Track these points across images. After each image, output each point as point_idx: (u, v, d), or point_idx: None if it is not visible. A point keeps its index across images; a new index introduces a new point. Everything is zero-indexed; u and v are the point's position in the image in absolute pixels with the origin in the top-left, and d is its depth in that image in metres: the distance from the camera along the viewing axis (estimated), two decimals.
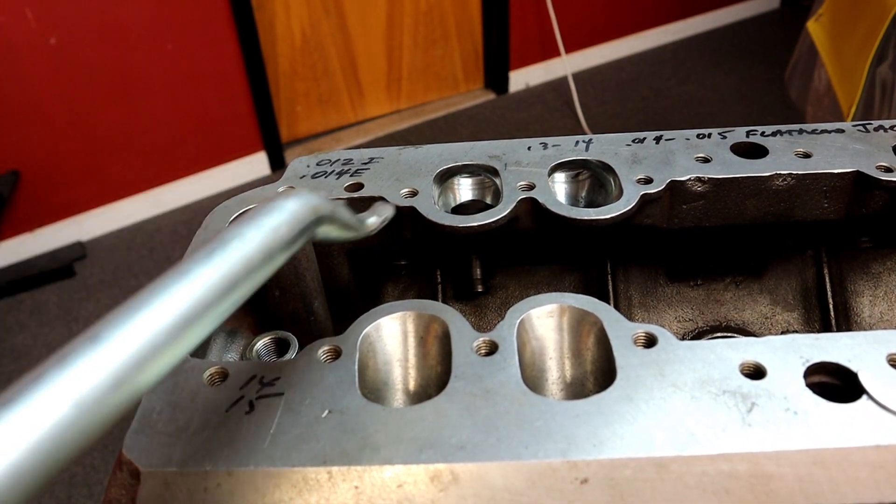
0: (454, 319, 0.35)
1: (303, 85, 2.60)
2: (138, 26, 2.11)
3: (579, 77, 3.00)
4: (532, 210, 0.44)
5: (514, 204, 0.43)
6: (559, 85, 3.00)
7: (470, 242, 0.49)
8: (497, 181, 0.46)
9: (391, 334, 0.35)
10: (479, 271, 0.51)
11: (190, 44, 2.23)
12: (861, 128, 0.48)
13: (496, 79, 3.00)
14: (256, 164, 2.53)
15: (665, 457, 0.27)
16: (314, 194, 0.30)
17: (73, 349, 0.19)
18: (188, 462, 0.29)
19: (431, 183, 0.46)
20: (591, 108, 2.85)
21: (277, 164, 2.57)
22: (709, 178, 0.44)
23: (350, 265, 0.49)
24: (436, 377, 0.35)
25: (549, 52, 2.99)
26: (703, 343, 0.32)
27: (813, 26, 1.45)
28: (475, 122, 2.86)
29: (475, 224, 0.42)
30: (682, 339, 0.46)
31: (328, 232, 0.32)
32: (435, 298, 0.51)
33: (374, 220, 0.39)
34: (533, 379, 0.35)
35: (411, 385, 0.36)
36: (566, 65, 2.88)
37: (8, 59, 1.95)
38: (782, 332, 0.52)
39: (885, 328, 0.50)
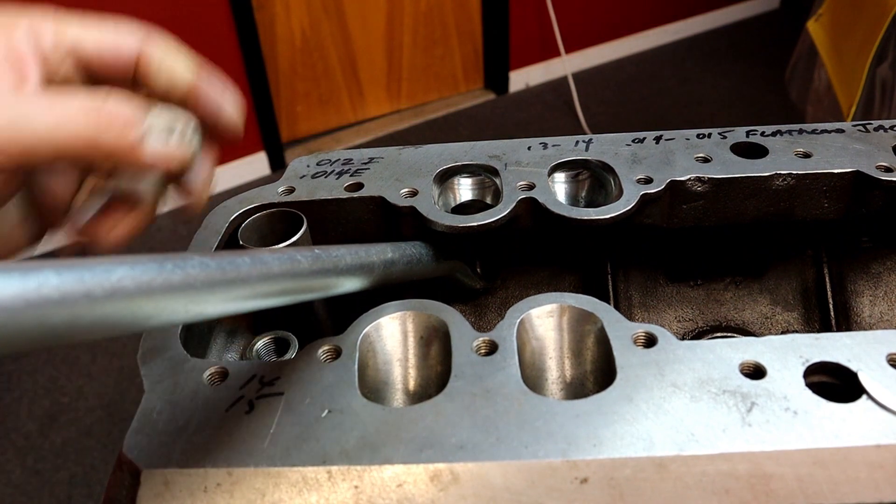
0: (454, 319, 0.35)
1: (303, 85, 2.60)
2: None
3: (579, 77, 3.00)
4: (532, 210, 0.44)
5: (514, 204, 0.43)
6: (559, 85, 3.00)
7: (470, 243, 0.49)
8: (497, 181, 0.46)
9: (391, 334, 0.35)
10: (479, 270, 0.51)
11: (190, 44, 2.21)
12: (861, 128, 0.48)
13: (496, 79, 3.00)
14: (256, 164, 2.53)
15: (665, 456, 0.27)
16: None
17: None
18: (188, 461, 0.29)
19: (431, 183, 0.46)
20: (591, 108, 2.85)
21: (277, 164, 2.56)
22: (709, 178, 0.44)
23: None
24: (436, 377, 0.35)
25: (549, 52, 2.99)
26: (702, 343, 0.32)
27: (813, 26, 1.45)
28: (475, 122, 2.86)
29: (475, 224, 0.42)
30: (682, 338, 0.46)
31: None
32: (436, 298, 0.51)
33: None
34: (533, 379, 0.35)
35: (411, 385, 0.36)
36: (566, 65, 2.88)
37: None
38: (782, 332, 0.52)
39: (885, 328, 0.50)
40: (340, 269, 0.31)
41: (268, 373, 0.32)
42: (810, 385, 0.30)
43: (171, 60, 0.30)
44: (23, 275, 0.17)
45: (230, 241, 0.43)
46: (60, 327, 0.18)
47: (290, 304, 0.29)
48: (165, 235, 2.29)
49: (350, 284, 0.33)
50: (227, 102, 0.31)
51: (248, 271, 0.25)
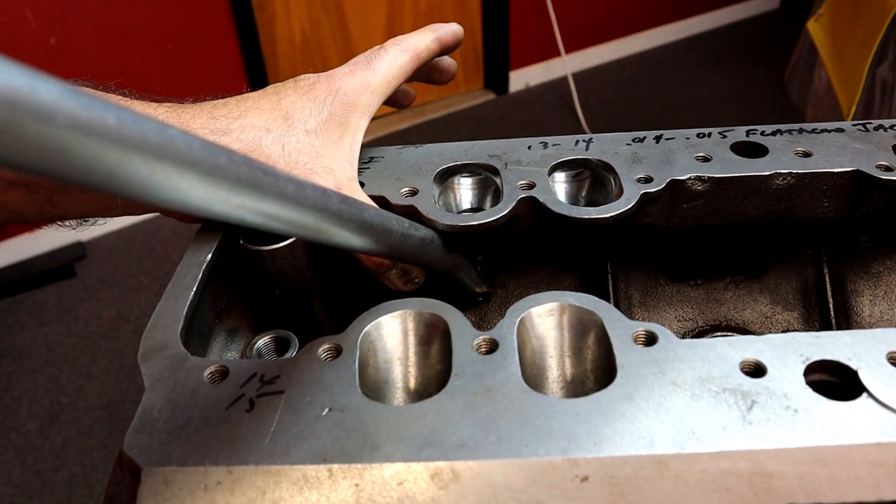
0: (455, 318, 0.35)
1: None
2: (138, 26, 2.11)
3: (579, 77, 3.00)
4: (532, 209, 0.44)
5: (514, 203, 0.43)
6: (559, 85, 3.00)
7: (470, 242, 0.49)
8: (497, 180, 0.46)
9: (391, 332, 0.35)
10: (479, 269, 0.51)
11: (190, 44, 2.23)
12: (861, 127, 0.48)
13: (496, 79, 3.01)
14: None
15: (665, 455, 0.27)
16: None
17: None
18: (188, 460, 0.29)
19: (431, 182, 0.46)
20: (591, 108, 2.85)
21: None
22: (709, 178, 0.44)
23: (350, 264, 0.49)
24: (436, 375, 0.35)
25: (549, 52, 2.99)
26: (703, 341, 0.32)
27: (813, 26, 1.45)
28: (475, 123, 2.86)
29: (475, 223, 0.42)
30: (683, 338, 0.46)
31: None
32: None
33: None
34: (533, 377, 0.35)
35: (412, 383, 0.36)
36: (566, 65, 2.88)
37: None
38: (782, 332, 0.52)
39: (885, 327, 0.50)
40: (363, 220, 0.32)
41: (268, 371, 0.32)
42: (810, 383, 0.30)
43: (423, 42, 0.48)
44: (90, 99, 0.17)
45: (229, 240, 0.43)
46: (110, 162, 0.17)
47: (307, 239, 0.29)
48: (166, 235, 2.29)
49: (366, 242, 0.33)
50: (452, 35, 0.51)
51: (284, 186, 0.25)
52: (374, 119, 0.48)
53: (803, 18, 1.52)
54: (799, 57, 1.54)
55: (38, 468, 1.62)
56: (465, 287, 0.49)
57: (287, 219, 0.26)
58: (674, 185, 0.44)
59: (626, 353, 0.32)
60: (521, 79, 3.04)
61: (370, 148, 0.51)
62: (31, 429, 1.71)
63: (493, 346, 0.33)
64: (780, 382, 0.30)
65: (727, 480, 0.27)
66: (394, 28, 2.70)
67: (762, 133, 0.48)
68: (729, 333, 0.51)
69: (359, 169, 0.48)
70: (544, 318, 0.35)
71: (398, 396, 0.35)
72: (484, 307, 0.53)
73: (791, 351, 0.31)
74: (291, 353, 0.40)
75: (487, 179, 0.48)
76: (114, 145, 0.17)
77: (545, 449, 0.28)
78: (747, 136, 0.48)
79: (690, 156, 0.46)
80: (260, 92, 0.45)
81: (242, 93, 0.45)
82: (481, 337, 0.33)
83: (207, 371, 0.33)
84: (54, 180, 0.18)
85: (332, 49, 2.60)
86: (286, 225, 0.27)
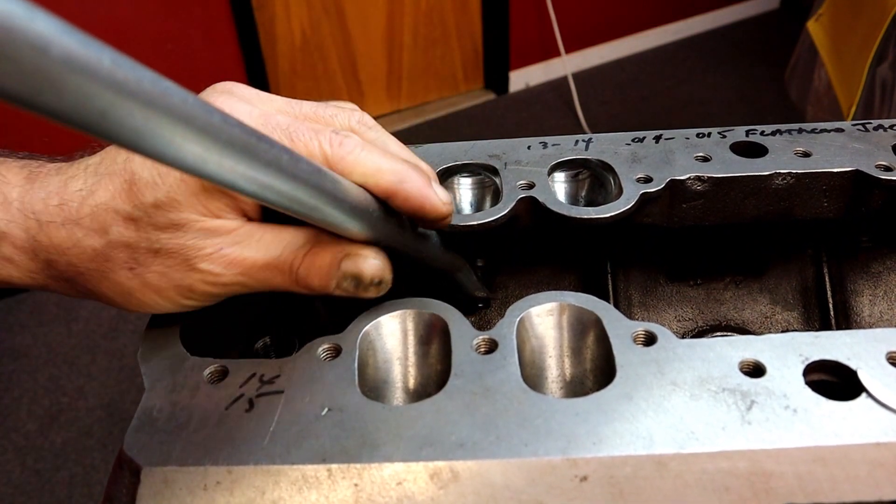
0: (454, 317, 0.35)
1: (303, 85, 2.60)
2: (138, 26, 2.11)
3: (579, 77, 3.00)
4: (532, 209, 0.44)
5: (513, 203, 0.43)
6: (559, 85, 3.00)
7: (469, 243, 0.49)
8: (497, 180, 0.46)
9: (391, 332, 0.35)
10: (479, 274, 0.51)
11: (190, 44, 2.23)
12: (861, 127, 0.48)
13: (496, 79, 3.00)
14: None
15: (664, 454, 0.27)
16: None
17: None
18: (188, 459, 0.29)
19: None
20: (591, 108, 2.85)
21: None
22: (708, 177, 0.44)
23: None
24: (435, 375, 0.35)
25: (549, 52, 2.99)
26: (702, 341, 0.32)
27: (813, 26, 1.45)
28: (475, 122, 2.86)
29: (475, 223, 0.42)
30: (683, 338, 0.46)
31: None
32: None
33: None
34: (532, 377, 0.35)
35: (411, 383, 0.36)
36: (566, 65, 2.88)
37: None
38: (782, 332, 0.52)
39: (884, 327, 0.50)
40: (358, 203, 0.31)
41: (267, 371, 0.32)
42: (810, 383, 0.30)
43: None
44: (87, 38, 0.17)
45: None
46: (103, 102, 0.18)
47: (302, 216, 0.28)
48: None
49: (363, 227, 0.32)
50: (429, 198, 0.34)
51: (279, 155, 0.25)
52: (374, 119, 0.47)
53: (803, 18, 1.52)
54: (799, 57, 1.54)
55: (38, 468, 1.62)
56: (465, 290, 0.49)
57: (280, 190, 0.26)
58: (673, 184, 0.44)
59: (625, 352, 0.32)
60: (521, 79, 3.04)
61: None
62: (31, 429, 1.71)
63: (492, 346, 0.33)
64: (779, 382, 0.30)
65: (726, 480, 0.27)
66: (394, 28, 2.70)
67: (762, 133, 0.48)
68: (728, 333, 0.51)
69: None
70: (544, 317, 0.36)
71: (397, 396, 0.35)
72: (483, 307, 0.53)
73: (790, 351, 0.31)
74: (291, 353, 0.40)
75: (487, 179, 0.48)
76: (107, 86, 0.18)
77: (544, 449, 0.28)
78: (747, 136, 0.48)
79: (690, 156, 0.46)
80: None
81: None
82: (481, 337, 0.33)
83: (207, 371, 0.33)
84: (50, 117, 0.18)
85: (332, 49, 2.60)
86: (280, 197, 0.26)
